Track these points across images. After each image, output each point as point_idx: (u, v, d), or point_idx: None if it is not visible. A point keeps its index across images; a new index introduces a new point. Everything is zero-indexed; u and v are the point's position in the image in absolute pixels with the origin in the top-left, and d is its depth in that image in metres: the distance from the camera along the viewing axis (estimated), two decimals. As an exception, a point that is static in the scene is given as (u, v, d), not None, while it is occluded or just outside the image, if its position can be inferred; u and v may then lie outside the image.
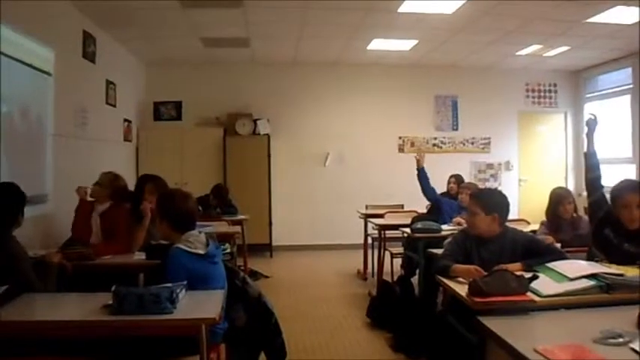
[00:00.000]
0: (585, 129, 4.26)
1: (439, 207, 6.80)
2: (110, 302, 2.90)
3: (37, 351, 2.99)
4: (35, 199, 3.91)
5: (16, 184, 3.67)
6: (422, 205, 7.53)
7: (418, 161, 6.91)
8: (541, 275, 3.22)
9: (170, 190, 4.55)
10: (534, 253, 3.68)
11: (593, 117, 4.19)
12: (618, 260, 3.54)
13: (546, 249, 3.82)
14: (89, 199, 5.24)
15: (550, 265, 3.40)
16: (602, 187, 4.14)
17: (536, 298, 2.96)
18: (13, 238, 3.49)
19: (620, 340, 2.27)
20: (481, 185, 9.02)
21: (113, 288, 2.89)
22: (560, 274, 3.21)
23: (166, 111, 10.47)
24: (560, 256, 3.64)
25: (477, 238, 3.83)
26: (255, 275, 7.83)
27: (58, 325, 2.88)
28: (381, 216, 7.61)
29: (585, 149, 4.24)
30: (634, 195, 3.70)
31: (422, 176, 6.85)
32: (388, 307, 5.66)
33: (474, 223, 3.84)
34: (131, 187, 5.52)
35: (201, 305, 3.00)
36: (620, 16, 7.17)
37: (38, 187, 5.46)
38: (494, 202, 3.84)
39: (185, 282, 3.09)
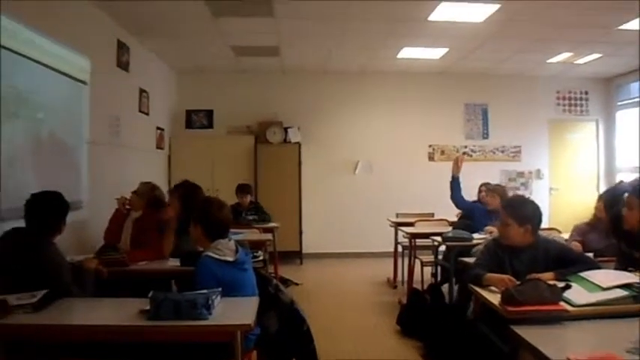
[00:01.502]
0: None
1: (470, 214, 6.76)
2: (146, 308, 2.95)
3: (73, 355, 3.07)
4: (71, 205, 4.01)
5: (60, 192, 3.77)
6: (452, 214, 7.52)
7: (456, 166, 6.80)
8: (574, 285, 3.22)
9: (207, 197, 4.61)
10: (567, 262, 3.67)
11: None
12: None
13: (579, 258, 3.81)
14: (127, 207, 5.37)
15: (583, 274, 3.39)
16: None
17: (569, 308, 2.96)
18: (53, 245, 3.59)
19: (654, 350, 2.27)
20: (511, 194, 8.92)
21: (150, 294, 2.94)
22: (594, 283, 3.21)
23: (198, 119, 10.59)
24: (593, 266, 3.64)
25: (510, 247, 3.82)
26: (286, 283, 7.84)
27: (95, 330, 2.95)
28: (411, 224, 7.60)
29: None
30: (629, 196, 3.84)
31: (455, 184, 6.75)
32: (419, 315, 5.65)
33: (507, 234, 3.83)
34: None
35: (235, 311, 3.04)
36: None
37: (74, 194, 5.51)
38: (527, 213, 3.81)
39: (220, 289, 3.14)
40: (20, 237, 3.52)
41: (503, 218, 3.88)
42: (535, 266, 3.64)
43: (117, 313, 3.16)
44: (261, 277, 3.77)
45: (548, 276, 3.44)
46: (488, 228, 6.08)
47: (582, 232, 5.20)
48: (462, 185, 6.74)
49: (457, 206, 6.87)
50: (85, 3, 6.14)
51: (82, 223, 5.82)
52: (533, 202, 3.97)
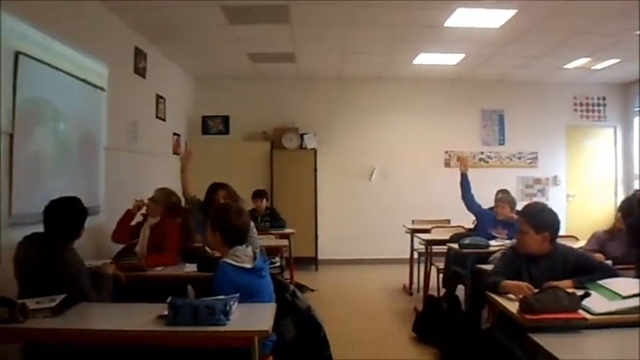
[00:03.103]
0: None
1: (478, 218, 6.73)
2: (164, 313, 2.97)
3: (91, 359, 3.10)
4: (89, 210, 4.04)
5: (79, 198, 3.81)
6: (468, 220, 7.48)
7: (463, 164, 6.80)
8: (593, 293, 3.19)
9: (226, 203, 4.64)
10: (585, 270, 3.65)
11: None
12: None
13: (598, 266, 3.78)
14: (143, 212, 5.39)
15: (602, 282, 3.37)
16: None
17: (588, 316, 2.94)
18: (73, 250, 3.62)
19: (675, 360, 2.25)
20: (528, 200, 8.84)
21: (169, 299, 2.96)
22: (613, 291, 3.19)
23: (214, 125, 10.63)
24: (613, 274, 3.61)
25: (527, 255, 3.78)
26: (301, 289, 7.83)
27: (114, 335, 2.96)
28: (427, 231, 7.58)
29: None
30: None
31: (465, 182, 6.74)
32: (435, 323, 5.63)
33: (525, 243, 3.79)
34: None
35: (253, 318, 3.05)
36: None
37: (92, 199, 5.54)
38: (545, 221, 3.76)
39: (237, 295, 3.14)
40: (39, 242, 3.55)
41: (520, 227, 3.85)
42: (553, 274, 3.61)
43: (135, 318, 3.18)
44: (278, 284, 3.78)
45: (566, 284, 3.43)
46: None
47: (600, 240, 5.15)
48: (477, 194, 6.73)
49: (467, 207, 6.79)
50: (102, 10, 6.18)
51: (100, 228, 5.83)
52: (551, 210, 3.92)
